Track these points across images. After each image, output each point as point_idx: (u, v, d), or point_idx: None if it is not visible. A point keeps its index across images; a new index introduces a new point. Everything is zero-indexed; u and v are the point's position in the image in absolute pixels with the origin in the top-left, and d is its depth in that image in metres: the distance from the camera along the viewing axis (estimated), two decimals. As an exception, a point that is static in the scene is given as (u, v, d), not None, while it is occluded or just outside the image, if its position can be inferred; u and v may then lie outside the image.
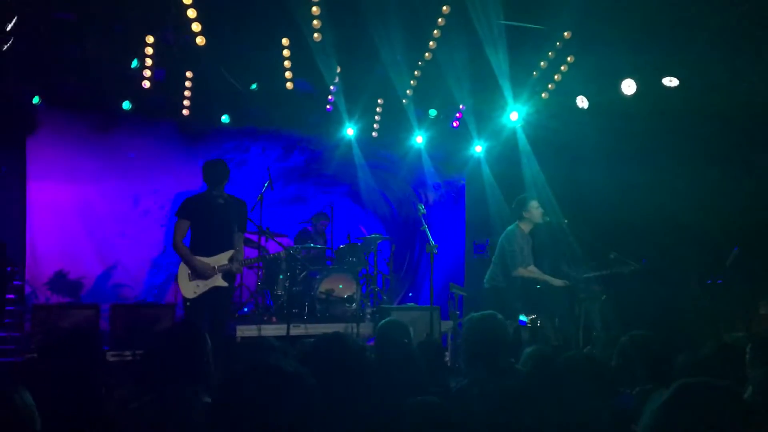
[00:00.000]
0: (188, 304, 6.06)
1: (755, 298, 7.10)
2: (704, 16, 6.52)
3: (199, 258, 6.05)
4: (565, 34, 7.58)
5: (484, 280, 7.22)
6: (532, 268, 7.00)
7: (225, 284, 6.13)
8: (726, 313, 6.99)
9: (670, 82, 7.42)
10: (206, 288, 6.05)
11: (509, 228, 7.14)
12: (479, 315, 3.78)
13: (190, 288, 6.04)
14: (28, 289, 8.60)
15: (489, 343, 3.55)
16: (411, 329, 4.23)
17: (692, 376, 2.06)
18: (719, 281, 7.14)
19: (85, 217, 9.15)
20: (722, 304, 7.04)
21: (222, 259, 6.12)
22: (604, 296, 6.96)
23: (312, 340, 3.20)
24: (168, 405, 2.79)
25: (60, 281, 8.98)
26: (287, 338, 6.67)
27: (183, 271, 6.09)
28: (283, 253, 7.44)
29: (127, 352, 6.79)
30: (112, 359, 6.81)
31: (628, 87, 7.67)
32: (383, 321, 4.44)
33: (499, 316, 3.78)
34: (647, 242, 7.50)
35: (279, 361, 2.08)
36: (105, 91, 7.90)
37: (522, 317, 6.35)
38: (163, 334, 3.22)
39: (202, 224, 6.13)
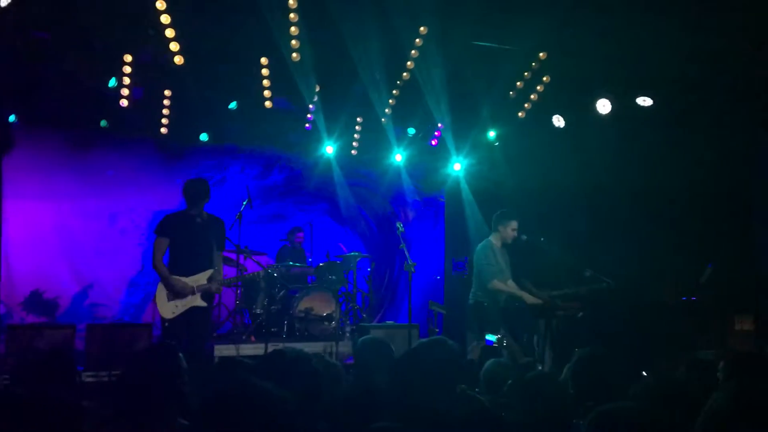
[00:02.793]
0: (166, 324, 6.01)
1: (729, 314, 7.20)
2: (679, 35, 6.65)
3: (177, 278, 6.01)
4: (541, 54, 7.69)
5: (469, 297, 7.24)
6: (510, 282, 7.03)
7: (204, 304, 6.08)
8: (700, 330, 7.07)
9: (644, 101, 7.55)
10: (185, 308, 6.00)
11: (481, 243, 7.19)
12: (428, 341, 3.61)
13: (168, 308, 5.99)
14: (2, 309, 8.48)
15: (438, 372, 3.25)
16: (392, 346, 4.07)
17: (658, 394, 2.05)
18: (693, 298, 7.24)
19: (61, 236, 9.07)
20: (697, 320, 7.12)
21: (201, 278, 6.08)
22: (581, 313, 7.01)
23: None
24: (144, 428, 2.77)
25: (35, 301, 8.87)
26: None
27: (161, 291, 6.04)
28: (261, 273, 7.40)
29: (104, 373, 6.70)
30: (88, 380, 6.72)
31: (603, 106, 7.80)
32: (362, 338, 4.29)
33: (450, 341, 3.63)
34: (624, 259, 7.59)
35: (258, 382, 2.07)
36: (82, 110, 7.84)
37: (489, 337, 6.34)
38: (139, 355, 3.19)
39: (181, 243, 6.09)
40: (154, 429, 2.79)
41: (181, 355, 3.15)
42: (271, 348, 6.96)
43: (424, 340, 3.65)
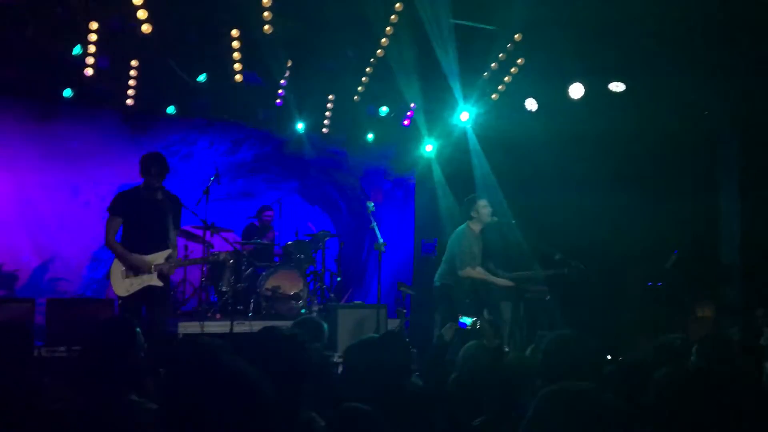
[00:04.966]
0: (120, 302, 5.83)
1: (693, 301, 7.31)
2: (652, 22, 6.65)
3: (135, 255, 5.78)
4: (516, 36, 7.65)
5: (435, 279, 7.22)
6: (479, 269, 7.03)
7: (160, 284, 5.80)
8: (664, 315, 7.16)
9: (617, 87, 7.57)
10: (140, 287, 5.73)
11: (459, 228, 7.16)
12: (359, 342, 3.53)
13: (122, 286, 5.74)
14: (-41, 282, 8.26)
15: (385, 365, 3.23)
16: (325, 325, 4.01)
17: (625, 377, 2.04)
18: (659, 284, 7.33)
19: (22, 208, 8.83)
20: (661, 306, 7.22)
21: (158, 258, 5.84)
22: (548, 296, 7.05)
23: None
24: (97, 405, 2.68)
25: (-6, 273, 8.65)
26: (230, 336, 6.55)
27: (116, 267, 5.75)
28: (229, 258, 7.21)
29: (62, 348, 6.55)
30: (46, 355, 6.56)
31: (576, 90, 7.80)
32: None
33: (402, 338, 3.56)
34: (592, 243, 7.64)
35: (232, 361, 1.96)
36: (46, 78, 7.60)
37: (462, 319, 6.35)
38: (95, 329, 3.08)
39: (136, 221, 5.78)
40: (107, 405, 2.71)
41: (138, 330, 3.05)
42: (236, 326, 6.86)
43: (376, 336, 3.61)
